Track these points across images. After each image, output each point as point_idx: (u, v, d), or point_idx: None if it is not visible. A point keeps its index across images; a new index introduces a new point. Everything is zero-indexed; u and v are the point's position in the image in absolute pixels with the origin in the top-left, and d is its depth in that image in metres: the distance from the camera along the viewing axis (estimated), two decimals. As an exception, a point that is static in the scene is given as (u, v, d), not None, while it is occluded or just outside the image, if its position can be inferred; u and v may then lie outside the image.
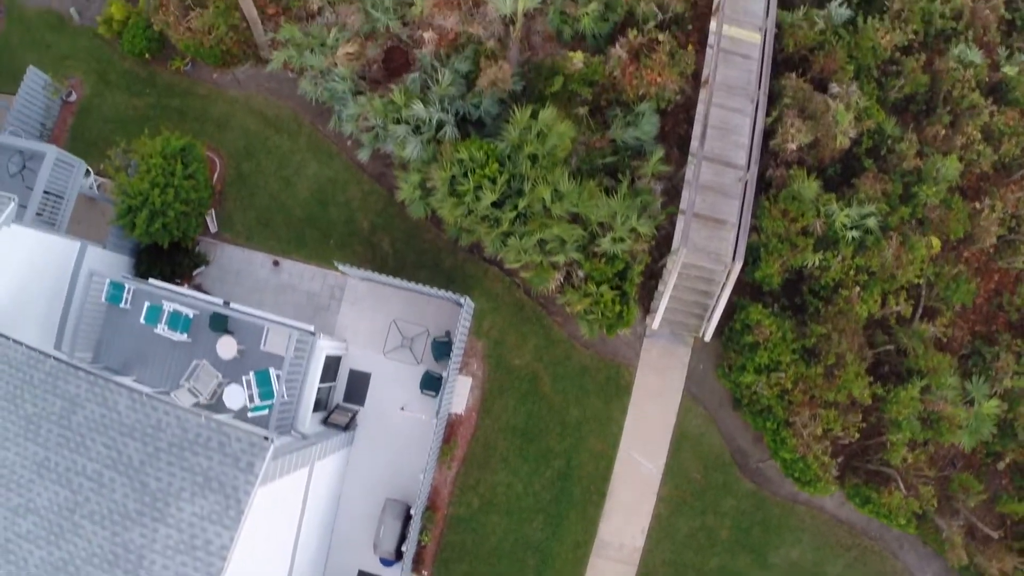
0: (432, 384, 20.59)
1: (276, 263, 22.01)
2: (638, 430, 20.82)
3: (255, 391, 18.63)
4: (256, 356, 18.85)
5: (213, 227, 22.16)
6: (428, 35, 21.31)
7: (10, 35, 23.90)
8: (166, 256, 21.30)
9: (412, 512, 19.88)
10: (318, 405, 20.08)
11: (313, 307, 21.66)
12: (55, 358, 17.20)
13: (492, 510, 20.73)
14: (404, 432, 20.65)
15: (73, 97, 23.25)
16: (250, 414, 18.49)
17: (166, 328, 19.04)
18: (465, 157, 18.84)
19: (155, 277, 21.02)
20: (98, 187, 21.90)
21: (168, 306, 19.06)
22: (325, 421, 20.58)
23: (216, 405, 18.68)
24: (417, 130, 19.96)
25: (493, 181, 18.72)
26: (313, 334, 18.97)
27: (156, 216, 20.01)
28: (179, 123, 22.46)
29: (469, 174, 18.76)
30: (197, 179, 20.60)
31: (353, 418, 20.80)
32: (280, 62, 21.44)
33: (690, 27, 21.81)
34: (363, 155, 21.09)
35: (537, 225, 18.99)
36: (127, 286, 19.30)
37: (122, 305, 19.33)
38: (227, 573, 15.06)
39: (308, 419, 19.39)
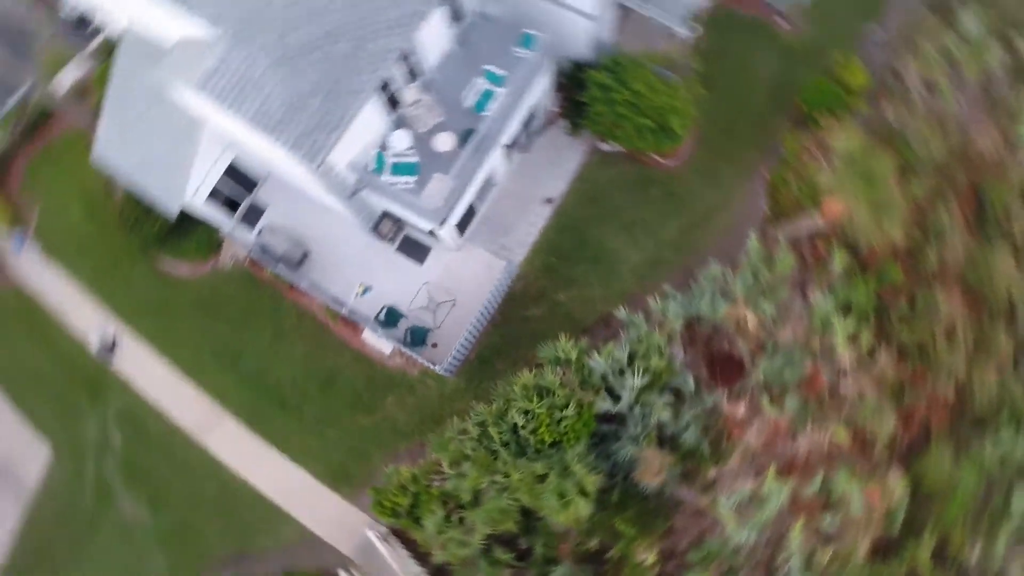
0: (390, 317, 21.53)
1: (549, 200, 22.07)
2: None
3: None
4: (442, 166, 19.47)
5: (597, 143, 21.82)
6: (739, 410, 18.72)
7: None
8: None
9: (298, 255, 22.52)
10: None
11: (504, 223, 22.28)
12: None
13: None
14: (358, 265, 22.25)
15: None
16: (395, 159, 19.66)
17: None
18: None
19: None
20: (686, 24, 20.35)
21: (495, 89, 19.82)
22: (378, 222, 22.08)
23: (397, 124, 19.98)
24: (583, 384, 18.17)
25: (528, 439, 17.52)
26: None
27: (607, 116, 21.02)
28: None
29: (534, 420, 17.53)
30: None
31: (393, 234, 22.29)
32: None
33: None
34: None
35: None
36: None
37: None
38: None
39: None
